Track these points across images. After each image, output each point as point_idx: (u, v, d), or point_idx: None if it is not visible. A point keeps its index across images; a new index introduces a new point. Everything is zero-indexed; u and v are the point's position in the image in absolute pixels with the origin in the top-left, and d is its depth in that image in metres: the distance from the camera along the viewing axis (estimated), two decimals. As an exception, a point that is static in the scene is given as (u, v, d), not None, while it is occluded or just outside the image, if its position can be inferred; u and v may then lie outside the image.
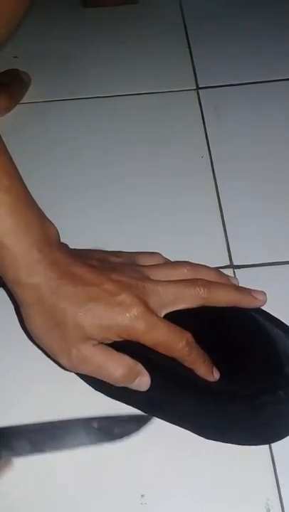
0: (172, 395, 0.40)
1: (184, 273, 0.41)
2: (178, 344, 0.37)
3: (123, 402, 0.42)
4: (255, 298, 0.41)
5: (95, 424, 0.40)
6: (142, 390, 0.39)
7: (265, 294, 0.42)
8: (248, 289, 0.42)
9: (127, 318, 0.37)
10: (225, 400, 0.39)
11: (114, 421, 0.41)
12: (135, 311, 0.37)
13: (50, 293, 0.37)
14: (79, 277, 0.38)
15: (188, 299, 0.40)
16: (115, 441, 0.40)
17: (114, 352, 0.38)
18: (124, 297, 0.37)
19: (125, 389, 0.40)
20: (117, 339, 0.38)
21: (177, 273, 0.41)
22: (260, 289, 0.42)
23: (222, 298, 0.40)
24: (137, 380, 0.39)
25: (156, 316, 0.38)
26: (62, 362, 0.39)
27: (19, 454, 0.39)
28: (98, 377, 0.39)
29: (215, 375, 0.39)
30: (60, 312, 0.37)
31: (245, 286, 0.45)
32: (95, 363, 0.38)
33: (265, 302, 0.42)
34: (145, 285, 0.39)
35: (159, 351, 0.38)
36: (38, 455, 0.39)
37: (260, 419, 0.39)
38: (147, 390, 0.40)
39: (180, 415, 0.40)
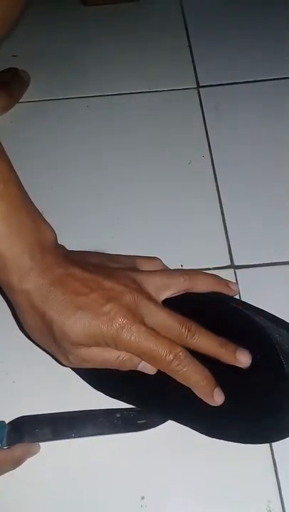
0: (169, 387, 0.39)
1: (181, 282, 0.41)
2: (165, 356, 0.37)
3: (122, 401, 0.41)
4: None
5: (118, 414, 0.40)
6: (149, 372, 0.39)
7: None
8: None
9: (112, 328, 0.36)
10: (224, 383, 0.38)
11: (138, 412, 0.41)
12: (121, 320, 0.36)
13: (40, 300, 0.37)
14: (69, 284, 0.37)
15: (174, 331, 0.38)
16: (138, 431, 0.40)
17: None
18: (111, 307, 0.37)
19: (122, 387, 0.40)
20: (107, 347, 0.38)
21: (174, 282, 0.41)
22: (259, 289, 0.43)
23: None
24: (142, 363, 0.38)
25: (145, 326, 0.37)
26: (64, 363, 0.39)
27: (41, 439, 0.40)
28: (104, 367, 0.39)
29: (216, 399, 0.38)
30: (48, 322, 0.37)
31: (246, 286, 0.45)
32: (96, 361, 0.38)
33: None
34: (138, 295, 0.38)
35: (147, 362, 0.38)
36: (59, 440, 0.40)
37: (261, 406, 0.39)
38: (145, 384, 0.39)
39: (178, 409, 0.40)
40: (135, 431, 0.40)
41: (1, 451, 0.39)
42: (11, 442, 0.39)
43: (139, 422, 0.40)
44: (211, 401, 0.38)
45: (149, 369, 0.38)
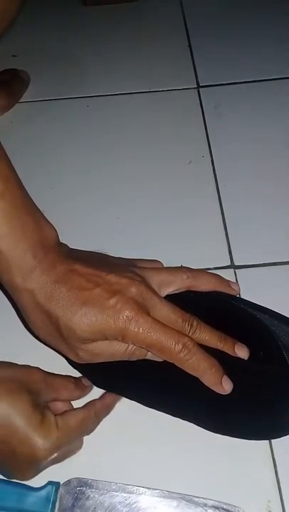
0: (172, 382, 0.40)
1: (184, 279, 0.41)
2: (173, 347, 0.37)
3: (126, 397, 0.42)
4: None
5: None
6: (157, 359, 0.39)
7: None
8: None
9: (119, 321, 0.36)
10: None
11: None
12: (128, 313, 0.36)
13: (45, 298, 0.37)
14: (74, 280, 0.37)
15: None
16: None
17: None
18: (117, 300, 0.37)
19: (124, 384, 0.41)
20: (114, 340, 0.38)
21: (177, 279, 0.41)
22: (259, 289, 0.43)
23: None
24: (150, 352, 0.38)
25: (152, 318, 0.37)
26: (75, 360, 0.39)
27: None
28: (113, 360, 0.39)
29: (225, 386, 0.38)
30: (54, 319, 0.37)
31: (246, 286, 0.45)
32: (106, 354, 0.38)
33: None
34: (143, 288, 0.38)
35: (155, 354, 0.38)
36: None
37: (263, 401, 0.39)
38: (147, 380, 0.40)
39: (180, 404, 0.40)
40: None
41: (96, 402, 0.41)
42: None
43: None
44: (220, 389, 0.38)
45: (158, 357, 0.38)
